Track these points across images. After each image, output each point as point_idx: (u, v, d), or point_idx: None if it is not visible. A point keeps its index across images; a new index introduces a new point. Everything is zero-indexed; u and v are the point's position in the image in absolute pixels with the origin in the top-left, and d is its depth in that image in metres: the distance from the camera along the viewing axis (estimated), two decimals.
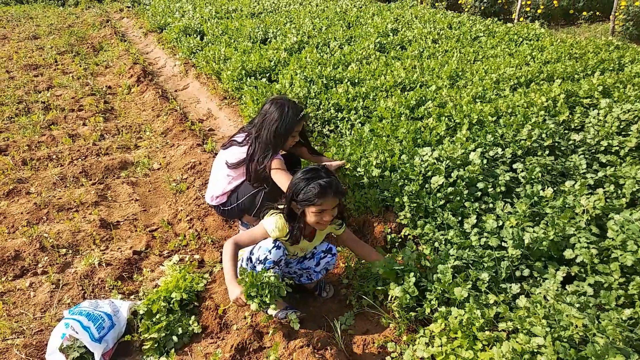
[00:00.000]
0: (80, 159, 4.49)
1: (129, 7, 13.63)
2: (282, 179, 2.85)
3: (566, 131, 3.76)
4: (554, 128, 3.61)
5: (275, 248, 2.38)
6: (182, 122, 5.18)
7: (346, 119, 4.48)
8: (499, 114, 4.01)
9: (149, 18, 10.87)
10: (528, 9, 9.68)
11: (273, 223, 2.41)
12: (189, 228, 3.39)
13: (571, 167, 3.28)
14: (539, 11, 9.63)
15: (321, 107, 4.69)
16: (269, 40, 7.48)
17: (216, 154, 4.46)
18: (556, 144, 3.54)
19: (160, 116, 5.41)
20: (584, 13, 9.98)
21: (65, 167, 4.28)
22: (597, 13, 10.05)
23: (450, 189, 2.93)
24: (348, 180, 3.45)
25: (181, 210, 3.64)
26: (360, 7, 10.13)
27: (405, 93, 4.93)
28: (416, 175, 3.10)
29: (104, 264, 3.03)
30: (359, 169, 3.36)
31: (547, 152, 3.43)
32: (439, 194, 2.95)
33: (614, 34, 8.46)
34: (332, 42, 7.01)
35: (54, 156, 4.50)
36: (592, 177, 3.08)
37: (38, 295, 2.81)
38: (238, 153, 3.08)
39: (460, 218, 2.87)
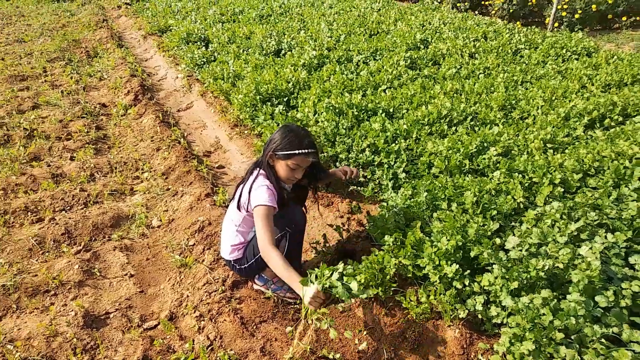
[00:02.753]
0: (64, 211, 3.71)
1: (127, 4, 12.77)
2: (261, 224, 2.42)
3: None
4: None
5: None
6: (187, 158, 4.39)
7: (385, 165, 3.70)
8: (583, 169, 3.23)
9: (148, 18, 10.05)
10: (564, 13, 8.82)
11: None
12: (198, 331, 2.61)
13: None
14: (576, 16, 8.77)
15: (353, 147, 3.91)
16: (283, 52, 6.65)
17: (227, 206, 3.69)
18: None
19: (161, 149, 4.61)
20: (624, 18, 9.14)
21: (45, 226, 3.49)
22: (638, 18, 9.20)
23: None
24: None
25: (187, 295, 2.87)
26: (379, 10, 9.28)
27: (453, 128, 4.15)
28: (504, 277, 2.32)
29: None
30: (421, 261, 2.56)
31: None
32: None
33: None
34: (354, 55, 6.19)
35: (33, 207, 3.72)
36: None
37: None
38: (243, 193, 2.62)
39: None
